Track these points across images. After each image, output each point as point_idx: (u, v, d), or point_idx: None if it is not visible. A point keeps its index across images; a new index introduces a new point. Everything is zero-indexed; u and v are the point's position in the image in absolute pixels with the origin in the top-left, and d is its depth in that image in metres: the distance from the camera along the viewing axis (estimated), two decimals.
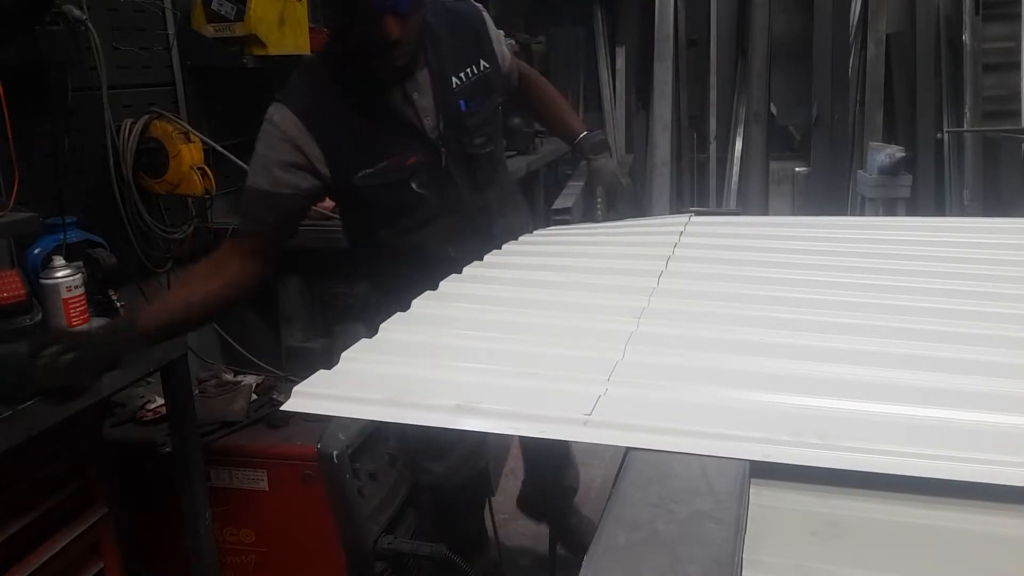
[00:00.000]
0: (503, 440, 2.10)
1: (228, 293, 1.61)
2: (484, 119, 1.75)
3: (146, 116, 2.59)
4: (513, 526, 2.72)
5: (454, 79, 1.69)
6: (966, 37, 4.65)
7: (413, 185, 1.65)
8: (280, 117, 1.60)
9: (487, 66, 1.75)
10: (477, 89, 1.73)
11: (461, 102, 1.69)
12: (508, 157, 3.87)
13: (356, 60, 1.59)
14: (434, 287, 1.56)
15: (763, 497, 0.70)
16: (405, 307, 1.18)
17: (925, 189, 4.77)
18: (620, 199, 1.83)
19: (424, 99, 1.66)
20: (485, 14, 1.81)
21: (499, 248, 1.55)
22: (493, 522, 2.09)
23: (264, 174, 1.60)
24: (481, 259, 1.58)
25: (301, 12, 2.98)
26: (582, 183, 4.57)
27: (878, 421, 0.79)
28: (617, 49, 5.50)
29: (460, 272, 1.57)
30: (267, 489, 2.08)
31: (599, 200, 1.85)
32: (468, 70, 1.71)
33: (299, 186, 1.61)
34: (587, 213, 1.85)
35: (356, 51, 1.56)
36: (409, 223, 1.69)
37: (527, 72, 2.04)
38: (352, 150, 1.60)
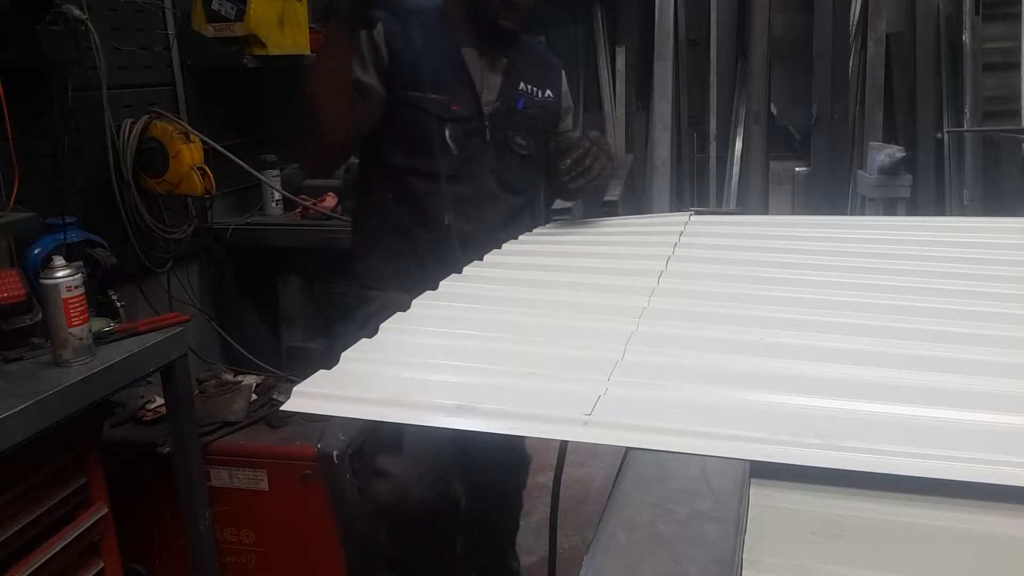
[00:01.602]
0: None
1: None
2: (533, 129, 1.82)
3: (146, 116, 2.59)
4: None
5: (522, 83, 1.81)
6: (966, 37, 4.65)
7: (447, 131, 1.70)
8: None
9: (551, 97, 1.87)
10: (537, 105, 1.83)
11: (520, 100, 1.80)
12: None
13: (474, 5, 1.72)
14: (415, 250, 1.73)
15: (763, 497, 0.69)
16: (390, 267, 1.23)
17: (925, 189, 4.76)
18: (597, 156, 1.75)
19: (491, 77, 1.77)
20: (563, 75, 1.96)
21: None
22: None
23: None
24: (469, 244, 1.64)
25: (301, 12, 2.98)
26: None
27: (878, 421, 0.79)
28: (617, 49, 5.50)
29: (445, 243, 1.68)
30: (267, 489, 2.08)
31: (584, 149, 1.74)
32: (536, 88, 1.83)
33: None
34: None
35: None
36: (425, 166, 1.71)
37: None
38: (412, 71, 1.67)
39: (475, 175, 1.75)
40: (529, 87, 1.82)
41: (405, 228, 1.75)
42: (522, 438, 1.91)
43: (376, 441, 1.76)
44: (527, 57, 1.85)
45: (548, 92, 1.86)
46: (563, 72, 1.96)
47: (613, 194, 4.35)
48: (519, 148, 1.79)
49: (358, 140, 1.73)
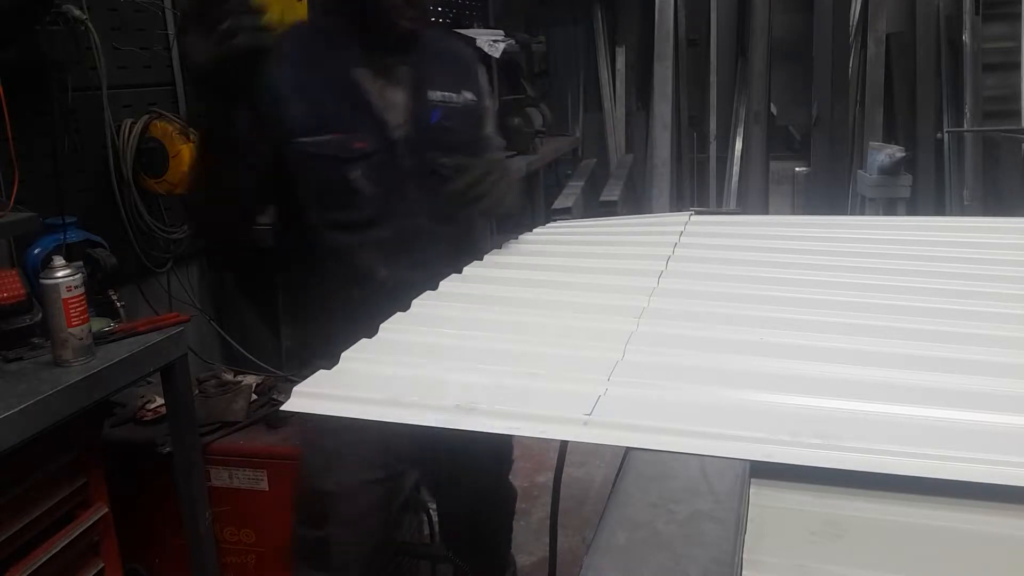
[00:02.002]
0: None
1: None
2: (456, 143, 1.57)
3: (146, 116, 2.59)
4: (514, 525, 2.72)
5: (431, 92, 1.55)
6: (966, 37, 4.65)
7: (352, 176, 1.46)
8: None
9: (472, 98, 1.62)
10: (457, 113, 1.58)
11: (435, 112, 1.55)
12: (507, 157, 3.88)
13: (364, 10, 1.47)
14: (354, 310, 1.42)
15: (763, 497, 0.70)
16: (328, 337, 1.09)
17: (925, 189, 4.77)
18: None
19: (394, 95, 1.51)
20: (480, 65, 1.72)
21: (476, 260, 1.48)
22: None
23: None
24: (413, 293, 1.33)
25: (301, 12, 2.97)
26: (582, 183, 4.57)
27: (878, 421, 0.79)
28: (617, 49, 5.51)
29: (384, 299, 1.33)
30: (267, 489, 2.08)
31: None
32: (449, 93, 1.57)
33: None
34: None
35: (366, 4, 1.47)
36: (341, 216, 1.50)
37: None
38: (301, 111, 1.44)
39: (401, 214, 1.52)
40: (442, 93, 1.56)
41: (334, 290, 1.52)
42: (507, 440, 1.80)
43: (299, 554, 1.63)
44: (433, 57, 1.58)
45: (467, 93, 1.59)
46: (482, 67, 1.70)
47: (613, 194, 4.36)
48: (445, 170, 1.52)
49: (253, 197, 1.52)
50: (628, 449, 0.77)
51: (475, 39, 3.91)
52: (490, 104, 1.73)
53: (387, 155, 1.49)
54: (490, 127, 1.72)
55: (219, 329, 3.03)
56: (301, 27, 1.50)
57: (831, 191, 4.96)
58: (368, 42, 1.50)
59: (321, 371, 0.95)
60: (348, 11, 1.50)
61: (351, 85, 1.48)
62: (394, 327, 1.11)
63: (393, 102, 1.51)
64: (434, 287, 1.30)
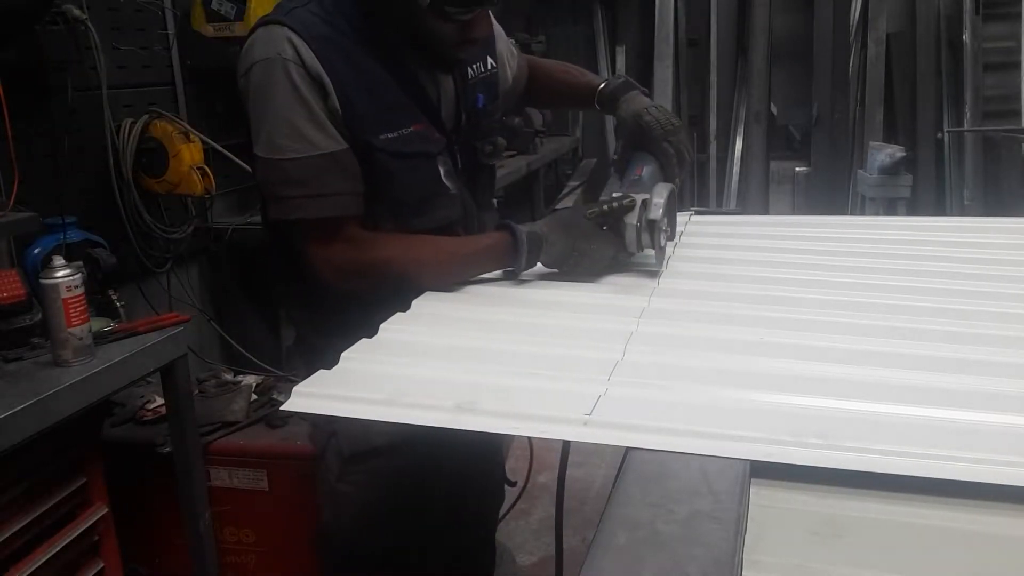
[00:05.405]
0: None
1: None
2: (493, 127, 1.47)
3: (146, 116, 2.59)
4: (514, 525, 2.72)
5: (470, 68, 1.38)
6: (966, 37, 4.65)
7: (441, 169, 1.33)
8: (294, 49, 1.20)
9: (494, 66, 1.47)
10: (488, 87, 1.44)
11: (480, 96, 1.40)
12: (508, 157, 3.88)
13: (415, 36, 1.28)
14: None
15: (763, 497, 0.70)
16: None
17: (925, 189, 4.77)
18: (676, 144, 1.38)
19: (447, 84, 1.36)
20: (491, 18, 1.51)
21: None
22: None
23: (317, 130, 1.22)
24: None
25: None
26: (582, 183, 4.57)
27: (878, 421, 0.79)
28: (617, 49, 5.51)
29: None
30: (267, 489, 2.08)
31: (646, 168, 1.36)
32: (479, 64, 1.41)
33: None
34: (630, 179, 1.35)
35: (418, 30, 1.26)
36: (441, 216, 1.35)
37: (534, 63, 1.68)
38: (371, 106, 1.25)
39: (468, 212, 1.43)
40: (474, 67, 1.39)
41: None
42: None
43: None
44: None
45: (489, 60, 1.42)
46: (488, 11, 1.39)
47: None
48: (485, 158, 1.43)
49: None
50: (628, 449, 0.77)
51: None
52: (502, 33, 1.53)
53: (448, 150, 1.36)
54: (511, 49, 1.54)
55: (219, 329, 3.03)
56: (326, 23, 1.25)
57: (831, 191, 4.96)
58: (425, 58, 1.32)
59: (321, 371, 0.95)
60: (401, 30, 1.29)
61: (408, 78, 1.30)
62: (394, 327, 1.11)
63: (446, 92, 1.36)
64: None
